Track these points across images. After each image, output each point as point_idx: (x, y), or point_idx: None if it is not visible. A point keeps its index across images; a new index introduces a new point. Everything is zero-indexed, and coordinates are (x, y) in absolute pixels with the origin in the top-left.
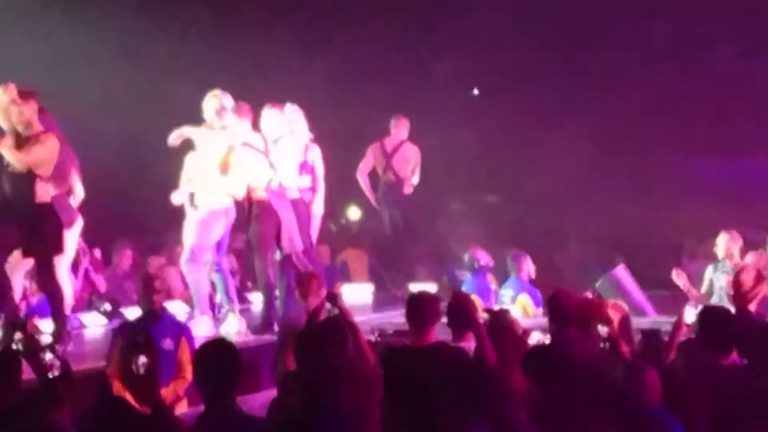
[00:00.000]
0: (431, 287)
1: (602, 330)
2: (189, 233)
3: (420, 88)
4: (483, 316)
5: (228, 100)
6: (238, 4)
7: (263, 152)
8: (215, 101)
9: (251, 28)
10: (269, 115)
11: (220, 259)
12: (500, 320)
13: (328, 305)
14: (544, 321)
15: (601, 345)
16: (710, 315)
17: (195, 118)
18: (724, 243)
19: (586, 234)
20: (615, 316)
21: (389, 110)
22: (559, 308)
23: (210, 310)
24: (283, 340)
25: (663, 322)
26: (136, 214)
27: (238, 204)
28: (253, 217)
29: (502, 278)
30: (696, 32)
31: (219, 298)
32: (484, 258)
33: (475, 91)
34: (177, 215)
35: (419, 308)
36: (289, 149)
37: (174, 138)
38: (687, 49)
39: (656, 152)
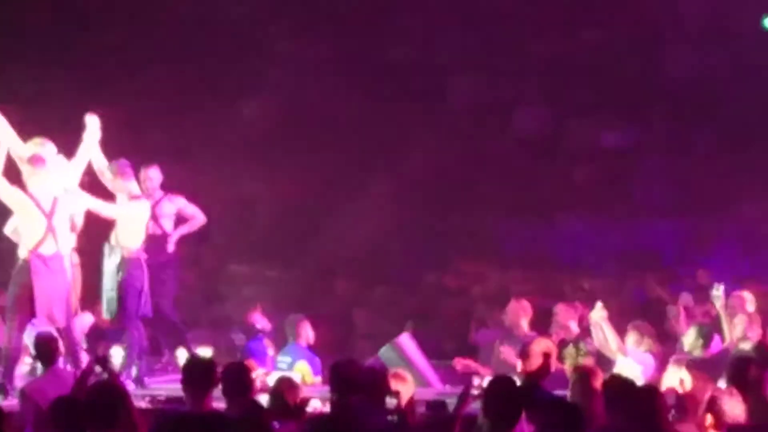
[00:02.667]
0: (206, 351)
1: (390, 402)
2: None
3: (204, 136)
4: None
5: (45, 149)
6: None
7: (45, 211)
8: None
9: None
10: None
11: None
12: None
13: (97, 369)
14: (323, 389)
15: (390, 418)
16: (496, 387)
17: None
18: (513, 312)
19: (377, 300)
20: (399, 386)
21: (175, 159)
22: (342, 377)
23: None
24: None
25: (449, 393)
26: None
27: None
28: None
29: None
30: (503, 93)
31: None
32: (261, 322)
33: None
34: None
35: (196, 374)
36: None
37: None
38: (494, 108)
39: (456, 214)
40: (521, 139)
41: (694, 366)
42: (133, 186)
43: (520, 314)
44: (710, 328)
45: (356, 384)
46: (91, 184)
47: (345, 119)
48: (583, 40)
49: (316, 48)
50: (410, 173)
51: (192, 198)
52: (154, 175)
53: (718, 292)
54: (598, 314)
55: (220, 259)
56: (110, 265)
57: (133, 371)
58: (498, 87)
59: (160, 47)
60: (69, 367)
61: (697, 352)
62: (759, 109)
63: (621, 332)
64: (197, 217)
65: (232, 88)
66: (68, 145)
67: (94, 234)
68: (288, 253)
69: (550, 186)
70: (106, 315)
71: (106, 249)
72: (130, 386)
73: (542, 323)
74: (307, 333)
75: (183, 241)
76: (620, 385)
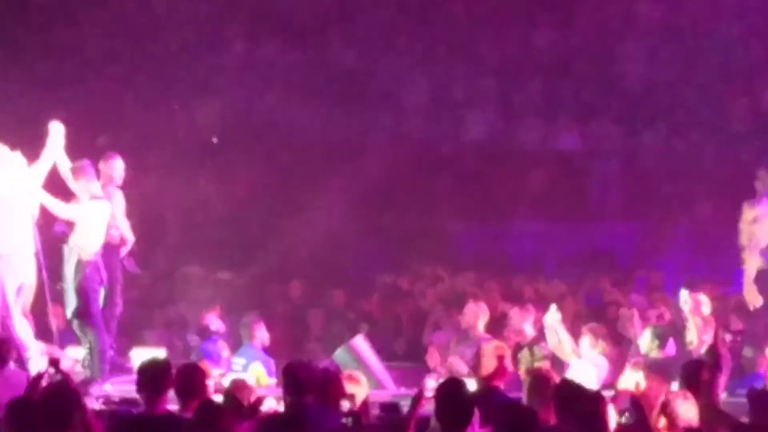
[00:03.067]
0: (160, 352)
1: (344, 405)
2: None
3: (158, 138)
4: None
5: None
6: None
7: None
8: None
9: None
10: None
11: None
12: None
13: (51, 370)
14: (278, 391)
15: (344, 420)
16: (446, 389)
17: None
18: (470, 314)
19: (332, 302)
20: (353, 388)
21: (129, 160)
22: (295, 379)
23: None
24: None
25: (403, 395)
26: None
27: None
28: None
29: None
30: (457, 95)
31: None
32: (215, 323)
33: (215, 140)
34: None
35: (151, 375)
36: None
37: None
38: (447, 111)
39: (411, 216)
40: (475, 141)
41: (650, 368)
42: (95, 187)
43: (478, 316)
44: (665, 330)
45: (310, 386)
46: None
47: (299, 121)
48: (536, 42)
49: (270, 51)
50: (364, 175)
51: (145, 199)
52: (117, 164)
53: (685, 296)
54: (552, 317)
55: (174, 260)
56: (69, 267)
57: (106, 373)
58: (451, 89)
59: (113, 48)
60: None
61: (654, 354)
62: (712, 111)
63: (576, 335)
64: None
65: (186, 90)
66: (21, 146)
67: None
68: (242, 255)
69: (505, 188)
70: (68, 316)
71: (66, 251)
72: (106, 389)
73: (497, 326)
74: (262, 335)
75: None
76: (569, 389)
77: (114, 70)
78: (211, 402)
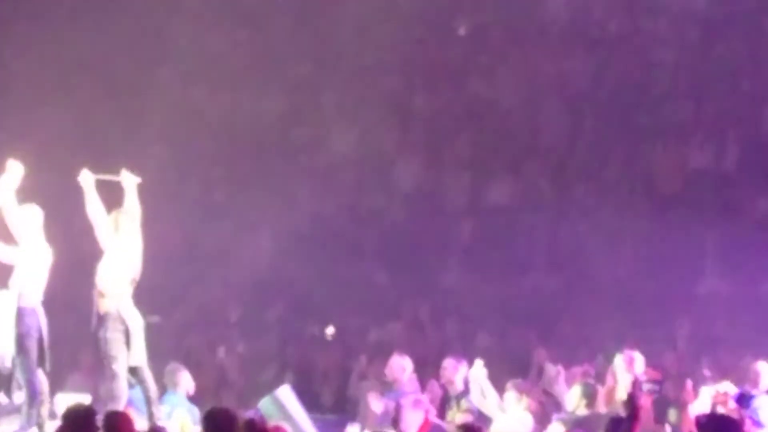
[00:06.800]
0: (85, 398)
1: None
2: None
3: None
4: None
5: None
6: None
7: None
8: None
9: None
10: None
11: None
12: None
13: None
14: None
15: None
16: None
17: None
18: (396, 367)
19: (257, 351)
20: None
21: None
22: (217, 428)
23: None
24: None
25: None
26: None
27: None
28: None
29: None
30: (381, 145)
31: None
32: None
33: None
34: None
35: (75, 422)
36: None
37: None
38: (375, 161)
39: (337, 267)
40: (404, 193)
41: (576, 424)
42: (37, 230)
43: (402, 369)
44: (594, 388)
45: None
46: None
47: (226, 167)
48: (466, 96)
49: (199, 96)
50: (292, 224)
51: (72, 241)
52: None
53: (619, 360)
54: (478, 371)
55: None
56: (8, 313)
57: (34, 420)
58: (380, 140)
59: (40, 89)
60: None
61: (581, 411)
62: (641, 170)
63: (500, 389)
64: None
65: (112, 135)
66: None
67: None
68: (168, 301)
69: (432, 240)
70: (7, 363)
71: (3, 296)
72: None
73: (424, 378)
74: (187, 382)
75: (63, 282)
76: None
77: (41, 112)
78: None
